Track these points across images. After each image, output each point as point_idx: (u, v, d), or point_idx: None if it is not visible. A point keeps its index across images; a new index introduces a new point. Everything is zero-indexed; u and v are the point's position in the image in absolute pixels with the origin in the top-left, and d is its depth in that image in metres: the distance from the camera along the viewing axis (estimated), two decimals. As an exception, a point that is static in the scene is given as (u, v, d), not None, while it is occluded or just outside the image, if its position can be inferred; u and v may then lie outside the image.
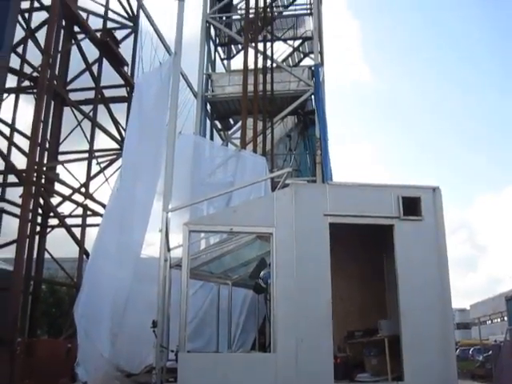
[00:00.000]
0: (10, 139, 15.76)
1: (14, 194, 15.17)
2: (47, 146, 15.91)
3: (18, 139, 16.09)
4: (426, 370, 6.98)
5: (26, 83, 16.21)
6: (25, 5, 15.98)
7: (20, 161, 14.89)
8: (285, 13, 21.43)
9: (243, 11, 18.15)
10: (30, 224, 13.54)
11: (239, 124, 16.57)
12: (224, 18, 19.90)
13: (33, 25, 16.00)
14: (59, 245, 19.61)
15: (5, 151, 15.20)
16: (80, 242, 15.49)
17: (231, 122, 19.07)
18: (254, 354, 9.01)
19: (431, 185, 7.87)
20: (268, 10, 17.23)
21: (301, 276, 7.03)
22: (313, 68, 17.72)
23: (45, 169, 15.01)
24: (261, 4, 16.73)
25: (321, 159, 15.54)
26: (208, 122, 17.25)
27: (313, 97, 16.96)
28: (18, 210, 14.07)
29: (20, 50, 15.89)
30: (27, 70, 16.10)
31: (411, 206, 7.58)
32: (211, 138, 17.14)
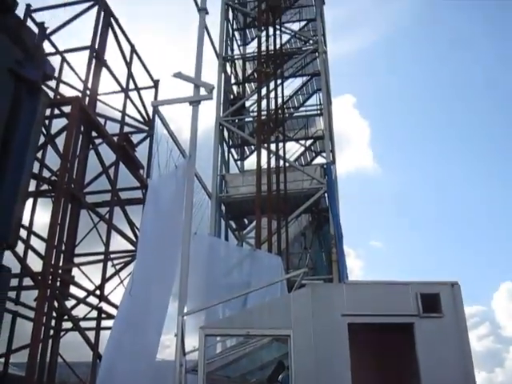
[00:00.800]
0: (26, 242, 15.92)
1: (29, 296, 15.15)
2: (63, 248, 16.03)
3: (34, 241, 16.28)
4: None
5: (45, 187, 16.59)
6: (46, 112, 16.61)
7: (36, 263, 15.00)
8: (296, 114, 22.06)
9: (255, 113, 18.68)
10: (43, 328, 13.42)
11: (254, 223, 16.67)
12: (237, 121, 20.48)
13: (53, 130, 16.54)
14: (72, 348, 19.29)
15: (21, 254, 15.33)
16: (94, 346, 15.25)
17: (246, 221, 19.21)
18: None
19: (449, 280, 7.77)
20: (279, 111, 17.72)
21: (320, 378, 6.84)
22: (325, 166, 18.00)
23: (60, 271, 15.04)
24: (272, 106, 17.22)
25: (336, 257, 15.46)
26: (223, 222, 17.40)
27: (326, 195, 17.13)
28: (32, 313, 14.01)
29: (39, 154, 16.33)
30: (46, 174, 16.52)
31: (430, 302, 7.44)
32: (226, 237, 17.21)
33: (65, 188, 14.72)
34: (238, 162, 21.97)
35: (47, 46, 17.65)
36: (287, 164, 16.89)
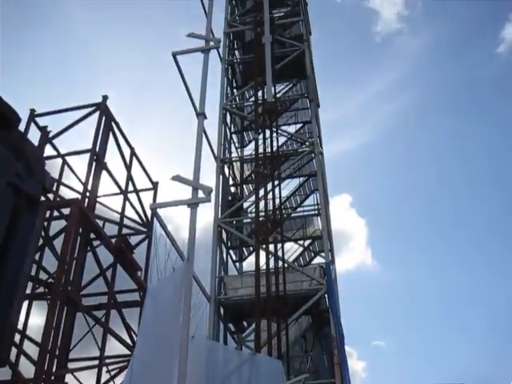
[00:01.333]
0: (19, 347, 15.53)
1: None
2: (57, 352, 15.62)
3: (27, 344, 15.88)
4: None
5: (41, 289, 16.41)
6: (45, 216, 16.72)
7: (28, 367, 14.53)
8: (293, 214, 22.20)
9: (253, 214, 18.80)
10: None
11: (253, 326, 16.37)
12: (235, 222, 20.58)
13: (52, 231, 16.56)
14: None
15: (13, 359, 14.92)
16: None
17: (245, 324, 18.86)
18: None
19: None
20: (277, 212, 17.85)
21: None
22: (324, 266, 17.91)
23: (53, 378, 14.58)
24: (270, 207, 17.36)
25: (338, 360, 15.07)
26: (221, 324, 17.08)
27: (326, 295, 16.93)
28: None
29: (37, 256, 16.26)
30: (43, 275, 16.39)
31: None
32: (225, 340, 16.83)
33: (61, 291, 14.55)
34: (237, 264, 21.88)
35: (49, 149, 18.09)
36: (286, 265, 16.80)
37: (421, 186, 62.63)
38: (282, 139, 21.83)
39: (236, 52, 26.04)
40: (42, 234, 16.49)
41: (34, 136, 17.54)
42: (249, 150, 23.81)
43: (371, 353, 58.46)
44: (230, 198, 20.96)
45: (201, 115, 12.35)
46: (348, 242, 57.16)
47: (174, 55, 13.25)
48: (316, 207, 21.12)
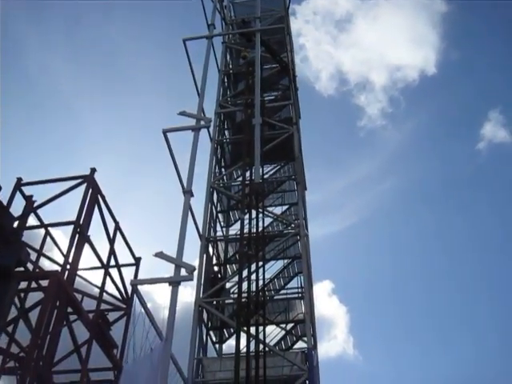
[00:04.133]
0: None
1: None
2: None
3: None
4: None
5: (11, 363, 15.81)
6: (22, 284, 16.35)
7: None
8: (276, 297, 21.88)
9: (236, 295, 18.50)
10: None
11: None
12: (214, 302, 20.22)
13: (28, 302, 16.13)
14: None
15: None
16: None
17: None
18: None
19: None
20: (260, 294, 17.56)
21: None
22: (306, 352, 17.49)
23: None
24: (253, 288, 17.09)
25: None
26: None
27: (307, 382, 16.46)
28: None
29: (10, 329, 15.77)
30: (14, 349, 15.83)
31: None
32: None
33: (32, 366, 14.01)
34: (217, 345, 21.33)
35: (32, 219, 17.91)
36: (267, 349, 16.36)
37: (403, 272, 62.59)
38: (267, 220, 21.80)
39: (226, 132, 26.41)
40: (18, 305, 16.08)
41: (19, 205, 17.41)
42: (234, 229, 23.79)
43: None
44: (212, 276, 20.68)
45: (188, 193, 12.40)
46: (329, 330, 56.41)
47: (165, 132, 13.43)
48: (299, 290, 20.87)
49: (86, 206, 17.48)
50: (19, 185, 17.75)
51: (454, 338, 57.73)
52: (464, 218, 61.17)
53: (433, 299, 58.97)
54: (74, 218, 17.20)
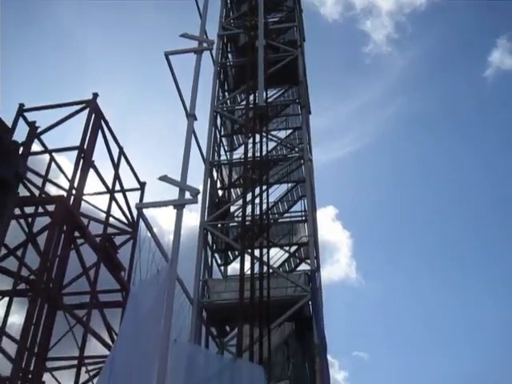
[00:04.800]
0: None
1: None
2: (35, 350, 15.43)
3: (5, 342, 15.67)
4: None
5: (22, 286, 16.21)
6: (29, 209, 16.55)
7: (4, 366, 14.33)
8: (280, 220, 22.10)
9: (240, 219, 18.69)
10: None
11: (235, 331, 16.22)
12: (219, 225, 20.44)
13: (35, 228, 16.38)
14: None
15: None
16: None
17: (227, 328, 18.70)
18: None
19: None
20: (264, 217, 17.74)
21: None
22: (309, 274, 17.80)
23: (30, 376, 14.39)
24: (257, 212, 17.25)
25: (320, 367, 14.97)
26: (203, 328, 16.91)
27: (310, 302, 16.82)
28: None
29: (19, 253, 16.08)
30: (25, 272, 16.20)
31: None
32: (206, 344, 16.65)
33: (42, 288, 14.38)
34: (222, 267, 21.73)
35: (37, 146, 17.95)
36: (271, 270, 16.69)
37: (407, 199, 62.85)
38: (271, 144, 21.75)
39: (229, 55, 25.96)
40: (26, 230, 16.34)
41: (23, 131, 17.39)
42: (238, 153, 23.74)
43: (352, 363, 58.45)
44: (217, 200, 20.85)
45: (191, 116, 12.27)
46: (332, 255, 57.16)
47: (167, 55, 13.17)
48: (303, 214, 21.03)
49: (89, 131, 17.47)
50: (22, 111, 17.68)
51: (461, 257, 58.52)
52: (468, 145, 60.86)
53: (436, 222, 59.44)
54: (77, 144, 17.25)
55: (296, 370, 16.86)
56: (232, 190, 22.59)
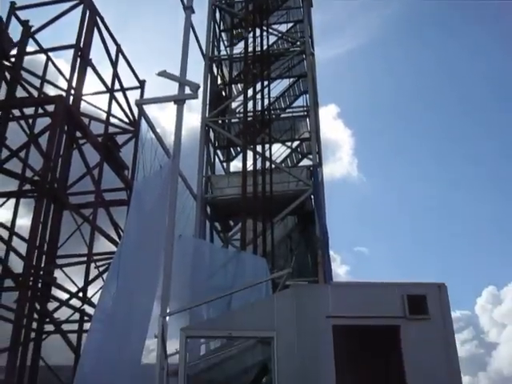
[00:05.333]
0: (8, 242, 15.68)
1: (9, 297, 14.90)
2: (45, 249, 15.80)
3: (15, 242, 16.04)
4: None
5: (27, 187, 16.35)
6: (29, 110, 16.43)
7: (17, 264, 14.77)
8: (282, 115, 21.94)
9: (241, 115, 18.56)
10: (24, 330, 13.18)
11: (239, 225, 16.50)
12: (220, 122, 20.31)
13: (36, 129, 16.30)
14: (56, 351, 19.02)
15: (2, 255, 15.10)
16: (76, 349, 15.02)
17: (231, 223, 19.00)
18: None
19: (436, 282, 7.66)
20: (266, 113, 17.61)
21: (304, 382, 6.69)
22: (311, 168, 17.90)
23: (42, 273, 14.80)
24: (259, 107, 17.11)
25: (322, 259, 15.34)
26: (208, 223, 17.20)
27: (312, 197, 17.00)
28: (12, 315, 13.76)
29: (23, 154, 16.10)
30: (29, 174, 16.30)
31: (417, 304, 7.32)
32: (211, 239, 17.02)
33: (47, 188, 14.50)
34: (224, 164, 21.82)
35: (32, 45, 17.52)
36: (273, 165, 16.76)
37: (407, 97, 62.03)
38: (272, 38, 21.23)
39: None
40: (27, 131, 16.28)
41: (16, 31, 16.94)
42: (238, 48, 23.18)
43: (354, 258, 59.95)
44: (217, 97, 20.62)
45: (188, 9, 11.88)
46: (334, 152, 56.97)
47: None
48: (305, 108, 20.85)
49: (84, 28, 16.97)
50: (13, 9, 17.13)
51: (463, 150, 58.50)
52: (466, 46, 58.93)
53: (434, 120, 58.94)
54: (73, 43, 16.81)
55: (298, 261, 17.30)
56: (233, 85, 22.29)
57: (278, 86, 21.89)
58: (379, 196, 62.48)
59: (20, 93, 16.71)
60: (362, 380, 8.87)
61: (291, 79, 22.10)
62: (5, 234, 15.85)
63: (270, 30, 20.62)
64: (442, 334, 7.28)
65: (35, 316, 15.76)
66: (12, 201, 16.42)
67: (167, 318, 8.12)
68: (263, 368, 8.03)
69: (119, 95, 19.30)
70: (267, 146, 16.35)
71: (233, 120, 20.86)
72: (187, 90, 10.55)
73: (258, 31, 18.56)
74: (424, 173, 57.76)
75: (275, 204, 16.05)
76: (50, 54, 18.21)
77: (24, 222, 17.08)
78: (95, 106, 18.57)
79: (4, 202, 15.40)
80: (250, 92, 16.76)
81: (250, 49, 17.96)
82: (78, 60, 16.65)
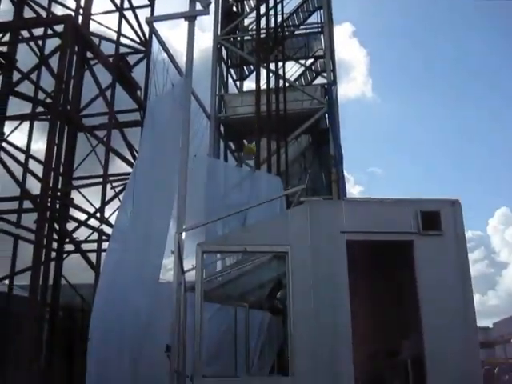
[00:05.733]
0: (24, 165, 15.83)
1: (30, 220, 15.20)
2: (61, 171, 15.95)
3: (32, 165, 16.18)
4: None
5: (40, 109, 16.33)
6: (38, 32, 16.18)
7: (35, 187, 14.96)
8: (296, 32, 21.39)
9: (254, 32, 18.13)
10: (44, 250, 13.50)
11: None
12: (232, 39, 19.85)
13: (46, 51, 16.11)
14: (76, 271, 19.56)
15: (20, 178, 15.27)
16: (96, 268, 15.40)
17: (245, 142, 18.90)
18: (271, 378, 8.77)
19: (450, 198, 7.64)
20: (279, 29, 17.18)
21: (318, 296, 6.82)
22: (326, 86, 17.61)
23: (59, 194, 15.01)
24: (272, 24, 16.69)
25: (336, 177, 15.35)
26: (222, 143, 17.12)
27: (326, 115, 16.81)
28: (33, 236, 14.06)
29: (34, 76, 15.98)
30: (41, 96, 16.24)
31: (430, 220, 7.34)
32: (225, 159, 16.99)
33: (60, 110, 14.47)
34: (237, 83, 21.49)
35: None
36: (287, 83, 16.48)
37: (425, 18, 60.10)
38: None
39: None
40: (37, 52, 16.09)
41: None
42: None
43: (368, 178, 60.09)
44: (229, 13, 20.06)
45: None
46: (349, 72, 55.95)
47: None
48: (319, 25, 20.28)
49: None
50: None
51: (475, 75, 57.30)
52: None
53: (453, 45, 57.33)
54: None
55: (312, 180, 17.32)
56: (245, 1, 21.63)
57: (292, 2, 21.22)
58: (393, 117, 61.97)
59: (28, 13, 16.43)
60: (375, 295, 9.05)
61: (305, -6, 21.40)
62: (21, 157, 16.00)
63: None
64: (454, 250, 7.32)
65: (55, 237, 16.13)
66: (27, 125, 16.45)
67: (183, 235, 8.23)
68: (278, 283, 8.20)
69: (129, 14, 18.91)
70: (281, 63, 16.00)
71: (245, 37, 20.38)
72: (198, 6, 10.28)
73: None
74: (437, 94, 56.89)
75: (289, 123, 15.92)
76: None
77: (40, 147, 17.18)
78: (105, 26, 18.25)
79: (18, 125, 15.42)
80: (263, 8, 16.28)
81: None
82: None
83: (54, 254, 16.19)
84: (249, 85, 21.55)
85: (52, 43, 16.01)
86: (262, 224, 7.92)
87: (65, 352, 18.69)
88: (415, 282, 7.19)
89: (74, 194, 17.12)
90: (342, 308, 6.80)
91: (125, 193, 11.46)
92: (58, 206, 14.97)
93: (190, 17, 10.16)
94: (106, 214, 16.69)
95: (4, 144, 14.86)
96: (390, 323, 8.76)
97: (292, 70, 20.27)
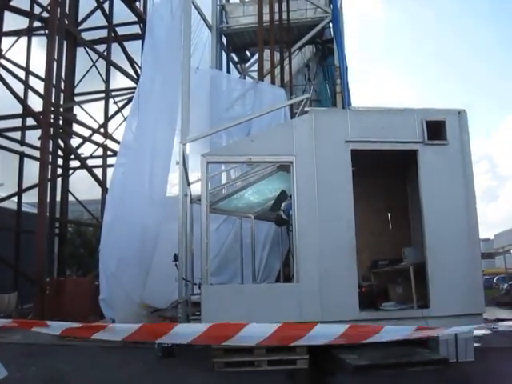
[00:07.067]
0: (25, 82, 15.64)
1: (34, 137, 15.17)
2: (63, 87, 15.76)
3: (33, 83, 15.99)
4: (452, 298, 6.78)
5: (37, 24, 15.97)
6: None
7: (37, 104, 14.82)
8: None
9: None
10: (50, 166, 13.54)
11: (256, 56, 16.06)
12: None
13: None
14: (82, 187, 19.76)
15: (21, 95, 15.12)
16: (102, 183, 15.51)
17: (248, 54, 18.45)
18: (277, 285, 8.99)
19: (456, 108, 7.53)
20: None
21: (323, 205, 6.85)
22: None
23: (62, 110, 14.89)
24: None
25: (341, 88, 15.05)
26: (224, 55, 16.72)
27: (331, 24, 16.30)
28: (38, 154, 14.07)
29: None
30: (37, 11, 15.83)
31: (436, 130, 7.27)
32: (228, 71, 16.61)
33: (58, 23, 14.11)
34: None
35: None
36: (290, -8, 15.89)
37: None
38: None
39: None
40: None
41: None
42: None
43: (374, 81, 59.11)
44: None
45: None
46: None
47: None
48: None
49: None
50: None
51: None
52: None
53: None
54: None
55: (317, 91, 17.07)
56: None
57: None
58: (401, 27, 60.42)
59: None
60: (381, 204, 9.09)
61: None
62: (21, 73, 15.78)
63: None
64: (459, 159, 7.28)
65: (60, 153, 16.16)
66: (23, 39, 16.09)
67: (188, 147, 8.23)
68: (282, 194, 8.22)
69: None
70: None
71: None
72: None
73: None
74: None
75: (293, 33, 15.54)
76: None
77: (40, 66, 16.91)
78: None
79: (15, 41, 15.09)
80: None
81: None
82: None
83: (60, 171, 16.30)
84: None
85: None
86: (267, 133, 7.85)
87: (76, 265, 19.23)
88: (419, 191, 7.21)
89: (77, 111, 17.03)
90: (347, 216, 6.85)
91: (130, 108, 11.39)
92: (61, 122, 14.90)
93: None
94: (110, 130, 16.67)
95: (3, 61, 14.61)
96: (394, 231, 8.88)
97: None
